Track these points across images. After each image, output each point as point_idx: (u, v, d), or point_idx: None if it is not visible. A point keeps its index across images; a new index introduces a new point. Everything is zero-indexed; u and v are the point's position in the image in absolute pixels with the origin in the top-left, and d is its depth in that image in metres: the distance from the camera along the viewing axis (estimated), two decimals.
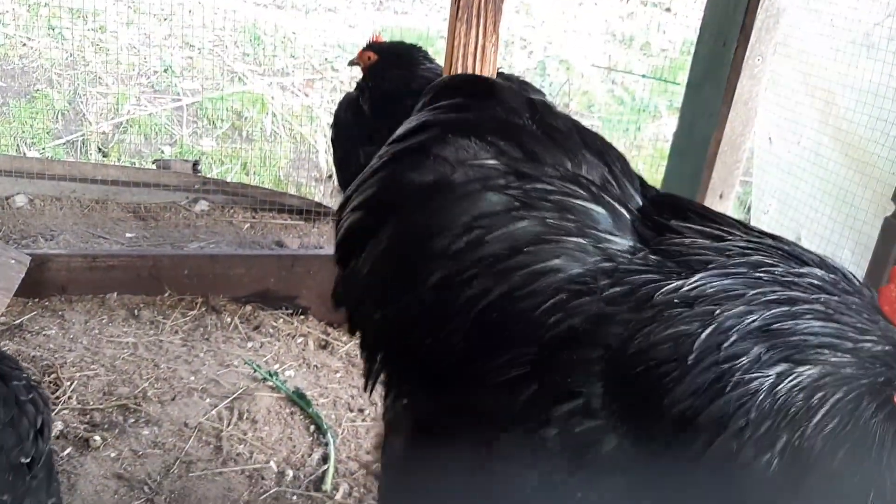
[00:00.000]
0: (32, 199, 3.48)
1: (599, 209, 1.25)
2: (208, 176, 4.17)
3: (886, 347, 1.07)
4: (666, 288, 1.12)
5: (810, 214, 3.15)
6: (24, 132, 5.73)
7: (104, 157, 5.94)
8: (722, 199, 3.18)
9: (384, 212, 1.33)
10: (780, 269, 1.10)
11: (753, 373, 1.06)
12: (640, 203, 1.29)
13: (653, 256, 1.19)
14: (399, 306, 1.29)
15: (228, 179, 4.41)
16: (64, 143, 5.87)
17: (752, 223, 4.38)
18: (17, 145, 5.73)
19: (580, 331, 1.15)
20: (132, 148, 6.03)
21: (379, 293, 1.33)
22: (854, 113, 2.92)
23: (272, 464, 2.42)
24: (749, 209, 4.15)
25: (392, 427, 1.39)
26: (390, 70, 2.90)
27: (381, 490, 1.47)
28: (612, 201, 1.26)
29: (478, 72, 1.82)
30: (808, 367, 1.05)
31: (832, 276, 1.12)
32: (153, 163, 4.15)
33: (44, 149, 5.73)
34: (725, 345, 1.05)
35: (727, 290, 1.10)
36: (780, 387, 1.05)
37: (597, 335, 1.14)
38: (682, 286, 1.11)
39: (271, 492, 2.32)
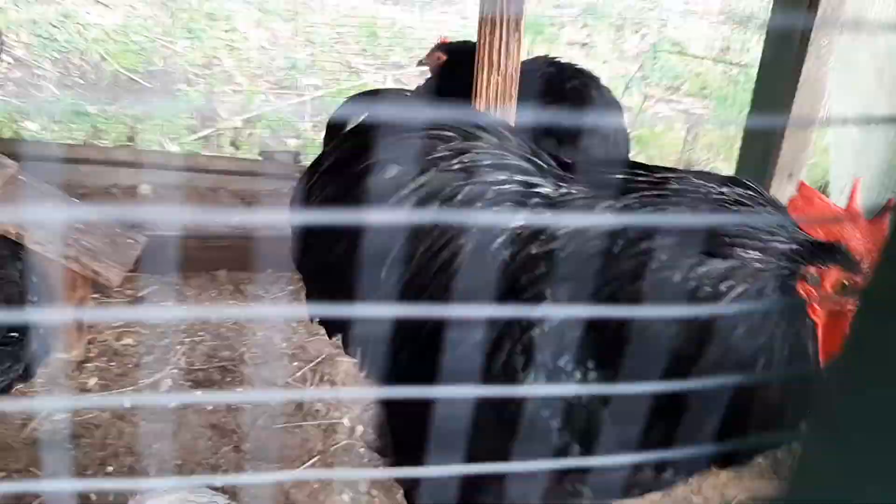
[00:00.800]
0: (155, 187, 3.95)
1: (525, 164, 1.62)
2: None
3: (793, 246, 1.32)
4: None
5: (879, 199, 3.18)
6: (166, 128, 6.28)
7: (237, 149, 6.43)
8: (791, 179, 3.24)
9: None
10: (703, 190, 1.31)
11: (669, 262, 1.31)
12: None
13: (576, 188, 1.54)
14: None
15: None
16: (200, 139, 6.39)
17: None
18: (160, 140, 6.29)
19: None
20: (261, 141, 6.50)
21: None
22: None
23: (345, 420, 2.73)
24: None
25: None
26: (458, 70, 3.12)
27: None
28: (530, 156, 1.64)
29: (503, 66, 2.01)
30: (718, 259, 1.31)
31: (748, 191, 1.31)
32: (259, 154, 4.53)
33: (182, 143, 6.27)
34: (646, 241, 1.33)
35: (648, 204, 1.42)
36: (691, 274, 1.28)
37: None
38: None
39: (342, 443, 2.62)
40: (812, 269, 1.34)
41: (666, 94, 7.23)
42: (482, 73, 2.00)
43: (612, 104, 2.80)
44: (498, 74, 2.00)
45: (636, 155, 6.49)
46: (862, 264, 1.32)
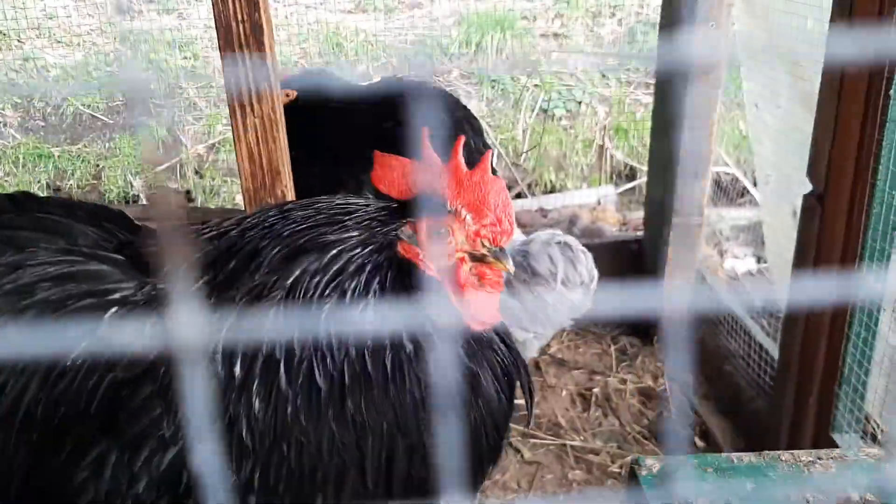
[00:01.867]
0: None
1: (100, 266, 1.40)
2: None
3: (375, 216, 1.36)
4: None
5: (795, 187, 2.91)
6: (129, 164, 6.24)
7: (200, 178, 6.37)
8: (697, 178, 3.02)
9: None
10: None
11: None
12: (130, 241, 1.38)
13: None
14: None
15: None
16: (165, 169, 6.33)
17: (758, 195, 4.05)
18: (125, 175, 6.24)
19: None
20: (225, 167, 6.42)
21: None
22: (816, 74, 2.66)
23: None
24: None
25: None
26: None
27: None
28: (109, 254, 1.36)
29: (257, 106, 1.85)
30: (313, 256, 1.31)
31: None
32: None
33: (146, 177, 6.22)
34: None
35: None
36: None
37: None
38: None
39: None
40: (405, 228, 1.36)
41: (647, 78, 6.94)
42: (236, 119, 1.84)
43: (462, 124, 2.59)
44: (255, 117, 1.83)
45: (618, 148, 6.26)
46: (449, 202, 1.36)
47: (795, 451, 1.24)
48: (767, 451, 1.23)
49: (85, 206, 1.51)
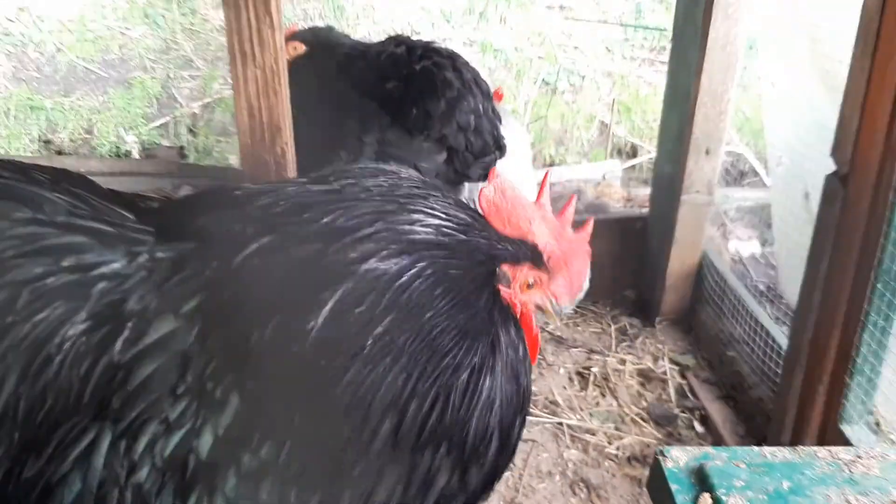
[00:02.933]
0: None
1: (76, 237, 1.19)
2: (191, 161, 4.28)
3: (487, 244, 1.25)
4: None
5: (811, 168, 2.80)
6: (122, 118, 6.10)
7: (194, 136, 6.23)
8: (709, 156, 2.90)
9: None
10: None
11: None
12: (123, 213, 1.21)
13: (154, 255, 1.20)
14: None
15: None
16: (158, 126, 6.19)
17: (768, 178, 3.95)
18: (117, 131, 6.10)
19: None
20: (220, 126, 6.28)
21: None
22: (838, 50, 2.55)
23: None
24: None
25: None
26: (323, 61, 2.77)
27: None
28: (86, 223, 1.19)
29: (259, 56, 1.74)
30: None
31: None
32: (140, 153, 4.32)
33: (140, 133, 6.08)
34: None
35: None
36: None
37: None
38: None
39: None
40: (505, 266, 1.28)
41: (651, 55, 6.81)
42: (236, 67, 1.71)
43: (471, 86, 2.47)
44: (255, 67, 1.70)
45: (619, 123, 6.14)
46: (547, 260, 1.32)
47: (833, 448, 1.15)
48: (802, 447, 1.14)
49: (45, 168, 1.30)
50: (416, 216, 1.17)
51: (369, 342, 1.10)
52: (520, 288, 1.31)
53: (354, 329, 1.09)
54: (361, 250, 1.11)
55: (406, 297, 1.12)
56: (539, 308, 1.37)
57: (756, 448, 1.17)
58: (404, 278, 1.12)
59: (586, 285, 1.40)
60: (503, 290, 1.29)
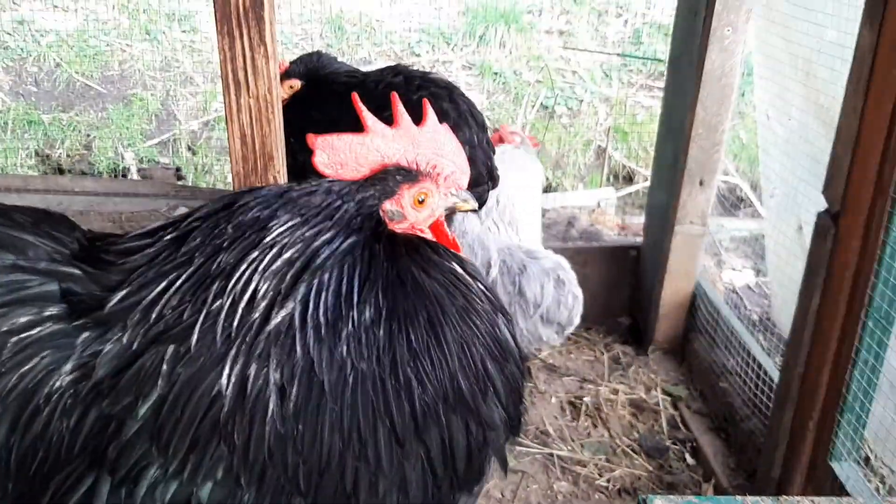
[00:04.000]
0: None
1: (59, 284, 1.18)
2: (186, 184, 4.28)
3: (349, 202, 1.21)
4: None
5: (805, 201, 2.80)
6: (121, 135, 6.10)
7: (193, 154, 6.23)
8: (703, 187, 2.91)
9: None
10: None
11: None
12: (101, 256, 1.22)
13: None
14: None
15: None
16: (157, 143, 6.20)
17: (762, 208, 3.95)
18: (116, 147, 6.10)
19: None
20: (219, 145, 6.28)
21: None
22: (833, 86, 2.55)
23: None
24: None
25: None
26: (318, 98, 2.74)
27: None
28: (68, 269, 1.20)
29: (252, 85, 1.73)
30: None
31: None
32: (138, 171, 4.33)
33: (138, 150, 6.08)
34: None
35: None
36: None
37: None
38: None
39: None
40: (386, 205, 1.24)
41: (649, 80, 6.85)
42: (229, 95, 1.70)
43: (467, 118, 2.47)
44: (249, 96, 1.70)
45: (616, 149, 6.16)
46: (416, 164, 1.28)
47: (816, 499, 1.14)
48: (786, 497, 1.13)
49: (26, 210, 1.29)
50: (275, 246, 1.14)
51: (324, 380, 1.09)
52: (413, 208, 1.27)
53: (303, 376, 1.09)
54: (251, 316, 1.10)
55: (316, 326, 1.10)
56: (451, 211, 1.35)
57: (739, 497, 1.16)
58: (298, 320, 1.10)
59: (465, 160, 1.35)
60: (400, 226, 1.25)
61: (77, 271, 1.18)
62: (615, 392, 3.05)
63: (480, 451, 1.22)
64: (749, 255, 3.95)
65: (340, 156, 1.27)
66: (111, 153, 6.01)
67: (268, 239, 1.13)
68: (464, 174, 1.35)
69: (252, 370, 1.08)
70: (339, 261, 1.15)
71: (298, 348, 1.09)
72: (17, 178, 3.76)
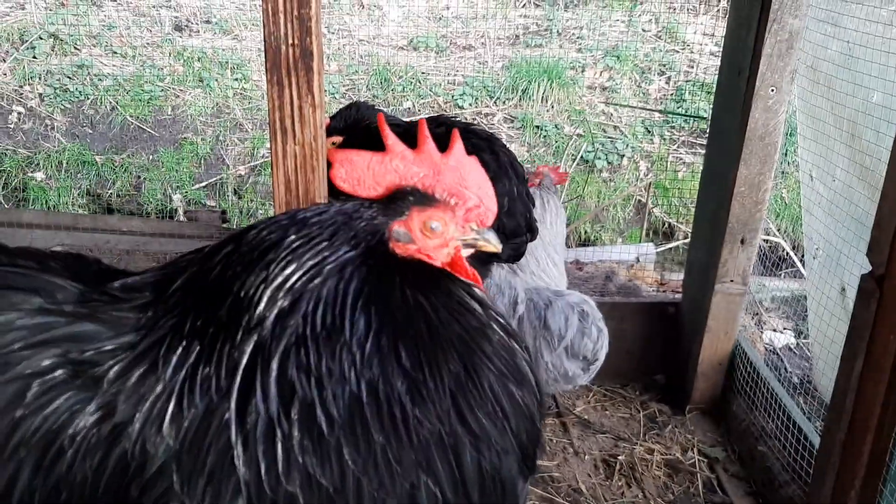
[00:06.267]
0: (69, 249, 3.79)
1: (85, 326, 1.19)
2: (231, 227, 4.34)
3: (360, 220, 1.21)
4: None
5: (848, 263, 2.74)
6: (170, 177, 6.22)
7: (239, 198, 6.33)
8: (744, 246, 2.86)
9: None
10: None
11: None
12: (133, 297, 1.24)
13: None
14: None
15: None
16: (204, 187, 6.31)
17: (804, 269, 3.88)
18: (165, 189, 6.23)
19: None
20: (265, 189, 6.38)
21: None
22: (878, 148, 2.51)
23: None
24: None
25: None
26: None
27: None
28: (95, 311, 1.20)
29: (299, 132, 1.75)
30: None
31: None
32: (184, 213, 4.40)
33: (186, 192, 6.19)
34: None
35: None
36: None
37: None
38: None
39: None
40: (394, 226, 1.22)
41: (691, 137, 6.83)
42: (276, 142, 1.73)
43: (507, 169, 2.47)
44: (295, 143, 1.72)
45: (656, 205, 6.13)
46: (432, 190, 1.25)
47: None
48: None
49: (59, 255, 1.32)
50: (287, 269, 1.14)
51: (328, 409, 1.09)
52: (422, 233, 1.23)
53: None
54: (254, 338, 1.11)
55: (315, 343, 1.11)
56: (470, 246, 1.29)
57: None
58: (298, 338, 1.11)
59: (493, 197, 1.28)
60: (408, 249, 1.21)
61: (106, 314, 1.19)
62: (650, 451, 2.98)
63: (495, 479, 1.18)
64: (790, 316, 3.87)
65: (358, 172, 1.25)
66: (160, 195, 6.14)
67: (272, 256, 1.14)
68: (488, 211, 1.29)
69: (255, 401, 1.09)
70: (338, 275, 1.15)
71: (299, 372, 1.10)
72: (67, 217, 3.85)
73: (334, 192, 1.33)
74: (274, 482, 1.08)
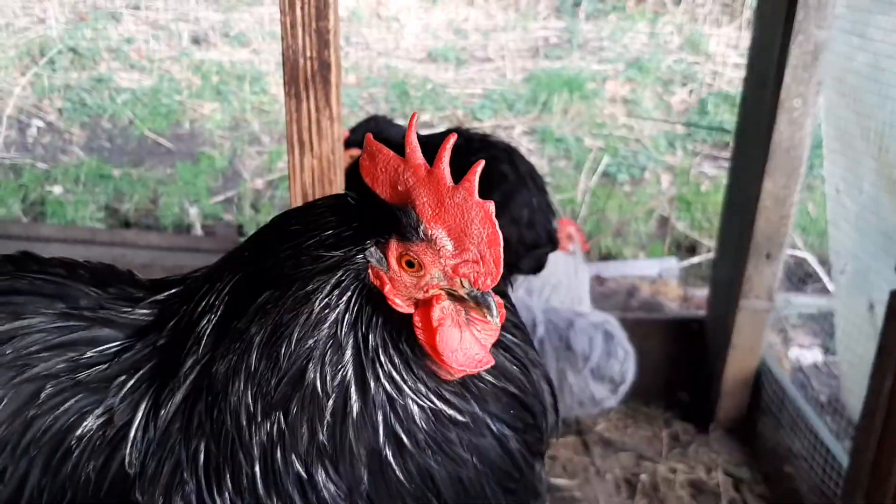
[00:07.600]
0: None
1: (103, 330, 1.23)
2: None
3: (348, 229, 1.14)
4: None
5: (874, 279, 2.72)
6: (187, 191, 6.27)
7: (256, 212, 6.36)
8: (770, 261, 2.84)
9: None
10: None
11: None
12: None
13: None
14: None
15: None
16: (222, 200, 6.35)
17: (831, 284, 3.84)
18: (182, 203, 6.27)
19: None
20: (283, 203, 6.41)
21: None
22: None
23: None
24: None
25: None
26: None
27: None
28: (116, 316, 1.24)
29: (316, 145, 1.77)
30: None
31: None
32: (201, 227, 4.43)
33: (203, 206, 6.24)
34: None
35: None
36: None
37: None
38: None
39: None
40: (373, 250, 1.10)
41: (714, 150, 6.80)
42: (293, 155, 1.74)
43: (526, 180, 2.47)
44: (313, 156, 1.73)
45: (679, 218, 6.10)
46: (422, 225, 1.09)
47: None
48: None
49: (89, 265, 1.35)
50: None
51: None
52: (398, 266, 1.09)
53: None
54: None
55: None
56: (458, 300, 1.11)
57: None
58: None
59: (501, 259, 1.08)
60: (381, 275, 1.09)
61: (126, 318, 1.23)
62: (673, 471, 2.95)
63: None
64: (817, 333, 3.82)
65: (377, 168, 1.14)
66: (177, 209, 6.17)
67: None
68: (487, 274, 1.09)
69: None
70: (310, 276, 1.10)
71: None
72: (84, 231, 3.89)
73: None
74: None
